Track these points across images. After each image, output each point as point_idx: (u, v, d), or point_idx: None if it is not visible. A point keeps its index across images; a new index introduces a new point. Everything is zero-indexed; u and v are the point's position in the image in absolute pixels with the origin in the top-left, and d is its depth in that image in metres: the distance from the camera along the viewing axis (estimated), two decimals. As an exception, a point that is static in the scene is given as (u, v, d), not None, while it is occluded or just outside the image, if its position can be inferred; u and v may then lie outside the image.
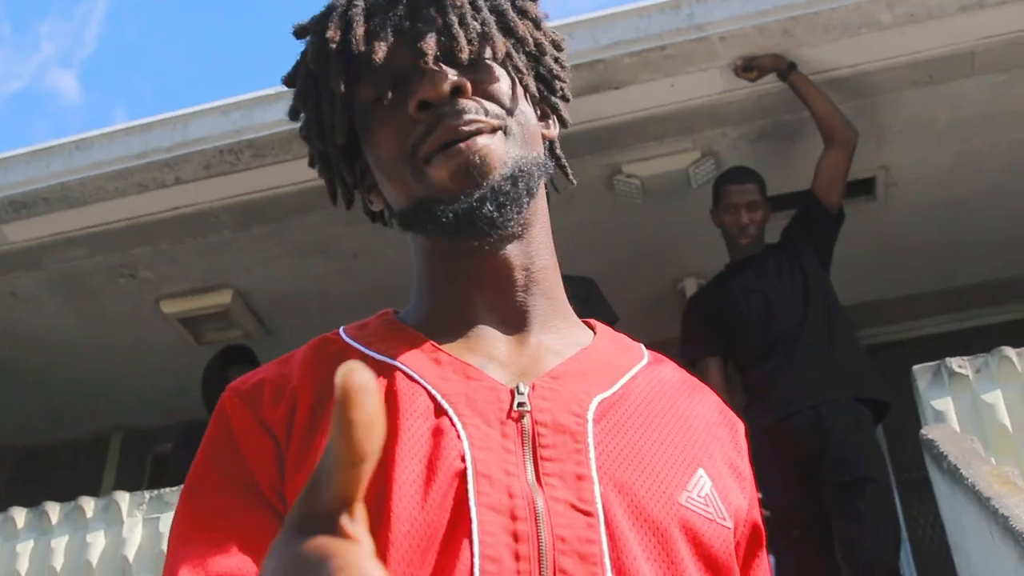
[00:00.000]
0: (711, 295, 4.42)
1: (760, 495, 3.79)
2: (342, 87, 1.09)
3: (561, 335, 1.11)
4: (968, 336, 5.29)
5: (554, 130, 1.20)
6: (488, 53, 1.09)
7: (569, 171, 1.24)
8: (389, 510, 0.93)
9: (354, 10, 1.10)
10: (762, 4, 4.08)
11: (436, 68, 1.05)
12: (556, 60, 1.20)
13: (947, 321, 5.55)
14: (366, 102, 1.10)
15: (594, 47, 4.17)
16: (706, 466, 1.03)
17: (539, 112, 1.17)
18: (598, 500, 0.95)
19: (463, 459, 0.95)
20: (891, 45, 4.22)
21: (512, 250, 1.09)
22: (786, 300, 4.14)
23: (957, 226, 5.17)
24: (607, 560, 0.92)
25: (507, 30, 1.12)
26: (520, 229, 1.08)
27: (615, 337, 1.17)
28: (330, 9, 1.12)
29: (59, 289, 5.37)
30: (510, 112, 1.08)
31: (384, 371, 1.03)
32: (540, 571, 0.91)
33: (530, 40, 1.14)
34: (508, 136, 1.07)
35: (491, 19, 1.12)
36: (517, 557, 0.91)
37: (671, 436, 1.04)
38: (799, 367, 3.99)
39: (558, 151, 1.21)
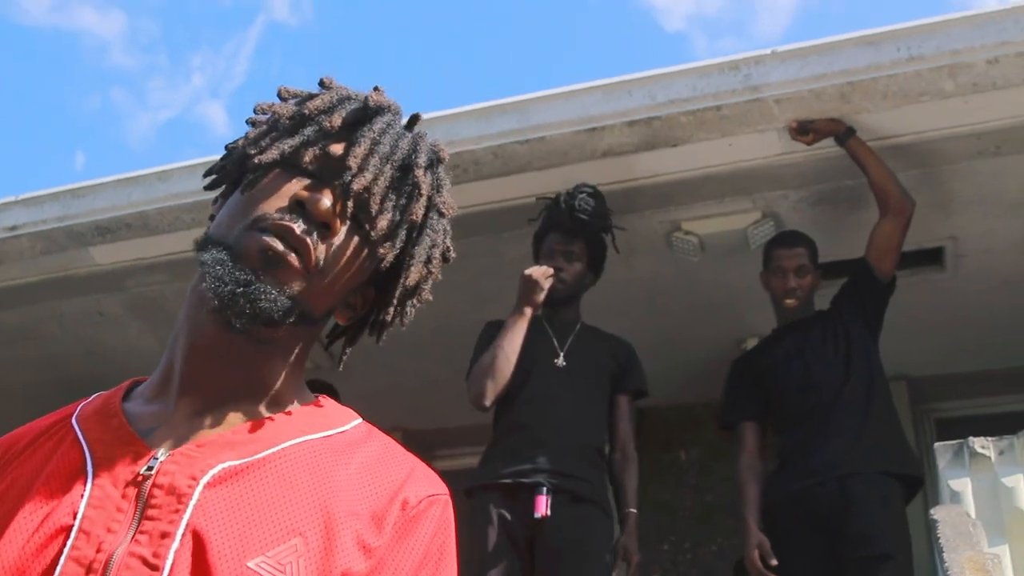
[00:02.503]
0: (753, 359, 4.41)
1: (776, 563, 3.77)
2: (290, 147, 1.21)
3: (253, 413, 1.20)
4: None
5: (348, 318, 1.31)
6: (390, 256, 1.25)
7: (344, 358, 1.38)
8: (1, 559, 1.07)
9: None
10: (819, 68, 4.04)
11: (331, 199, 1.18)
12: (413, 306, 1.33)
13: (1015, 401, 5.37)
14: (295, 158, 1.21)
15: (650, 104, 4.19)
16: (311, 537, 1.09)
17: (348, 301, 1.28)
18: (170, 557, 1.04)
19: (74, 515, 1.09)
20: (954, 114, 4.14)
21: (242, 344, 1.18)
22: (827, 368, 4.10)
23: (1028, 301, 5.02)
24: None
25: (427, 260, 1.30)
26: (253, 335, 1.17)
27: (321, 412, 1.26)
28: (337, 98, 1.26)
29: (141, 312, 5.59)
30: (325, 277, 1.19)
31: (68, 435, 1.18)
32: None
33: (421, 291, 1.31)
34: (304, 283, 1.17)
35: (426, 243, 1.29)
36: None
37: (286, 505, 1.11)
38: (831, 437, 3.94)
39: (351, 337, 1.36)
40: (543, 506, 3.75)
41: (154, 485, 1.09)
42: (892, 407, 4.22)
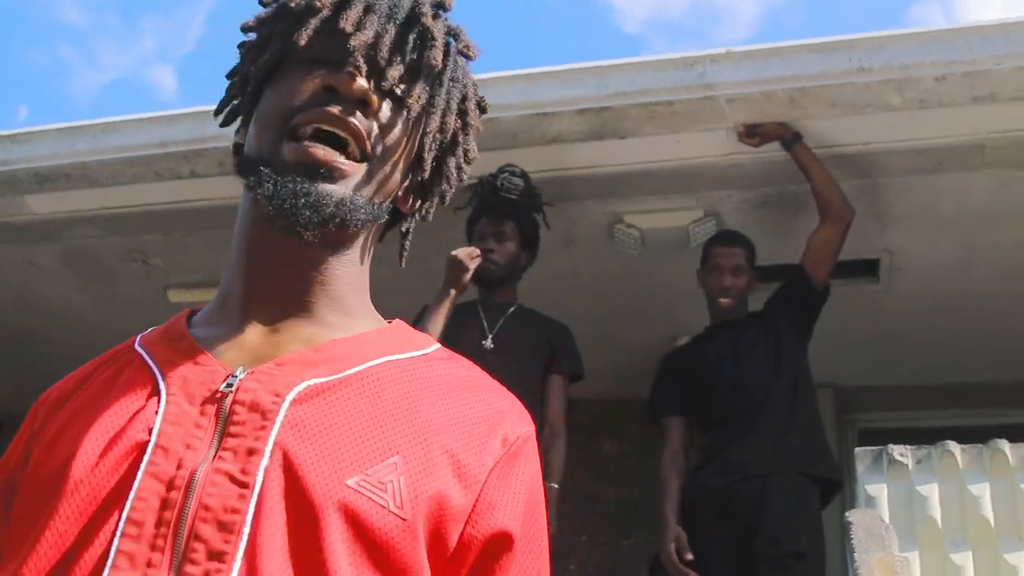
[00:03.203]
0: (684, 356, 4.46)
1: (692, 557, 3.80)
2: (303, 38, 1.13)
3: (327, 329, 1.15)
4: (959, 434, 5.20)
5: (412, 207, 1.25)
6: (413, 110, 1.16)
7: (404, 253, 1.32)
8: (68, 474, 1.02)
9: None
10: (772, 72, 4.07)
11: (362, 73, 1.12)
12: (459, 166, 1.26)
13: (938, 416, 5.48)
14: (303, 55, 1.14)
15: (602, 94, 4.20)
16: (410, 456, 1.03)
17: (410, 186, 1.22)
18: (260, 474, 0.98)
19: (150, 432, 1.02)
20: (899, 128, 4.19)
21: (309, 251, 1.13)
22: (757, 369, 4.15)
23: (957, 320, 5.11)
24: (246, 529, 0.96)
25: (460, 112, 1.21)
26: (323, 240, 1.12)
27: (402, 333, 1.20)
28: None
29: (74, 265, 5.51)
30: (383, 157, 1.14)
31: (135, 361, 1.14)
32: (176, 536, 0.96)
33: (461, 145, 1.24)
34: (369, 172, 1.13)
35: (454, 94, 1.21)
36: (159, 523, 0.97)
37: (381, 422, 1.05)
38: (756, 436, 3.99)
39: (407, 227, 1.29)
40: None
41: (235, 402, 1.04)
42: (817, 412, 4.28)
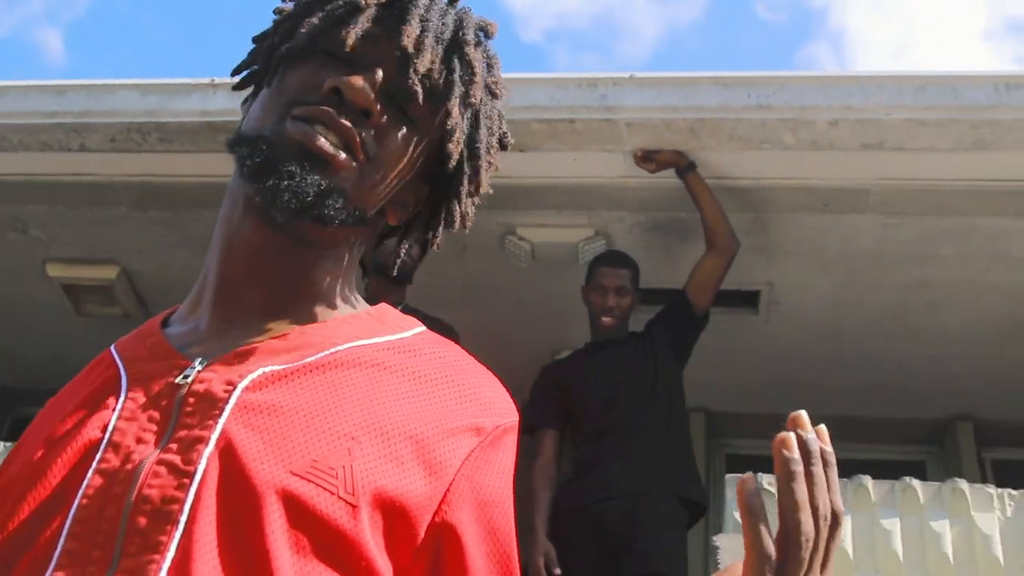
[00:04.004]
0: (562, 369, 4.51)
1: (560, 572, 3.85)
2: (350, 37, 1.10)
3: (296, 318, 1.13)
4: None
5: (400, 218, 1.22)
6: (431, 117, 1.14)
7: (399, 259, 1.34)
8: (22, 477, 1.03)
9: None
10: (673, 100, 4.16)
11: (373, 84, 1.09)
12: (471, 209, 1.26)
13: (805, 446, 5.62)
14: (328, 46, 1.12)
15: (506, 105, 4.22)
16: (364, 443, 1.00)
17: (398, 198, 1.19)
18: (203, 462, 0.97)
19: (104, 429, 1.02)
20: (791, 166, 4.32)
21: (289, 251, 1.12)
22: (631, 388, 4.22)
23: (832, 356, 5.27)
24: (183, 518, 0.94)
25: (485, 131, 1.21)
26: (301, 237, 1.11)
27: (379, 318, 1.17)
28: None
29: (-52, 230, 5.34)
30: (377, 168, 1.12)
31: (106, 361, 1.14)
32: (118, 530, 0.95)
33: (476, 180, 1.22)
34: (360, 175, 1.10)
35: (484, 135, 1.20)
36: (102, 518, 0.96)
37: (337, 409, 1.02)
38: (627, 455, 4.06)
39: (402, 238, 1.29)
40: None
41: (188, 393, 1.03)
42: (688, 436, 4.38)
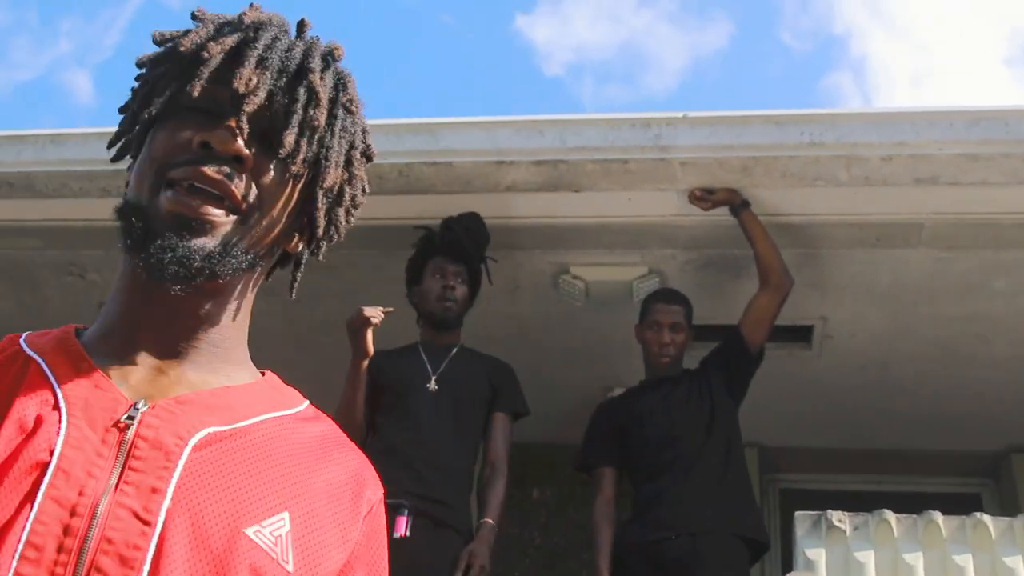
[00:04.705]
0: (618, 407, 4.52)
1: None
2: (196, 89, 1.14)
3: (213, 375, 1.18)
4: (880, 499, 5.37)
5: (300, 246, 1.28)
6: (287, 168, 1.18)
7: (296, 284, 1.35)
8: None
9: (241, 33, 1.18)
10: (726, 139, 4.20)
11: (238, 129, 1.13)
12: (347, 212, 1.29)
13: (860, 481, 5.64)
14: (188, 102, 1.16)
15: (560, 147, 4.28)
16: (295, 514, 1.10)
17: (292, 227, 1.24)
18: (162, 513, 1.01)
19: (51, 452, 1.03)
20: (844, 202, 4.35)
21: (188, 301, 1.16)
22: (689, 426, 4.23)
23: (884, 389, 5.27)
24: (146, 566, 0.99)
25: (346, 163, 1.24)
26: (199, 290, 1.15)
27: (278, 387, 1.25)
28: (227, 22, 1.20)
29: (6, 274, 5.42)
30: (259, 209, 1.16)
31: (27, 366, 1.13)
32: (77, 564, 0.98)
33: (347, 194, 1.26)
34: (242, 224, 1.15)
35: (341, 148, 1.23)
36: (60, 549, 0.99)
37: (269, 477, 1.10)
38: (687, 494, 4.06)
39: (299, 262, 1.32)
40: (403, 527, 3.77)
41: (137, 435, 1.06)
42: (747, 472, 4.38)
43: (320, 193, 1.22)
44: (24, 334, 1.21)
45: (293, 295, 1.35)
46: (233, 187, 1.13)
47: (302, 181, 1.20)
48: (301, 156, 1.17)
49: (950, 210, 4.35)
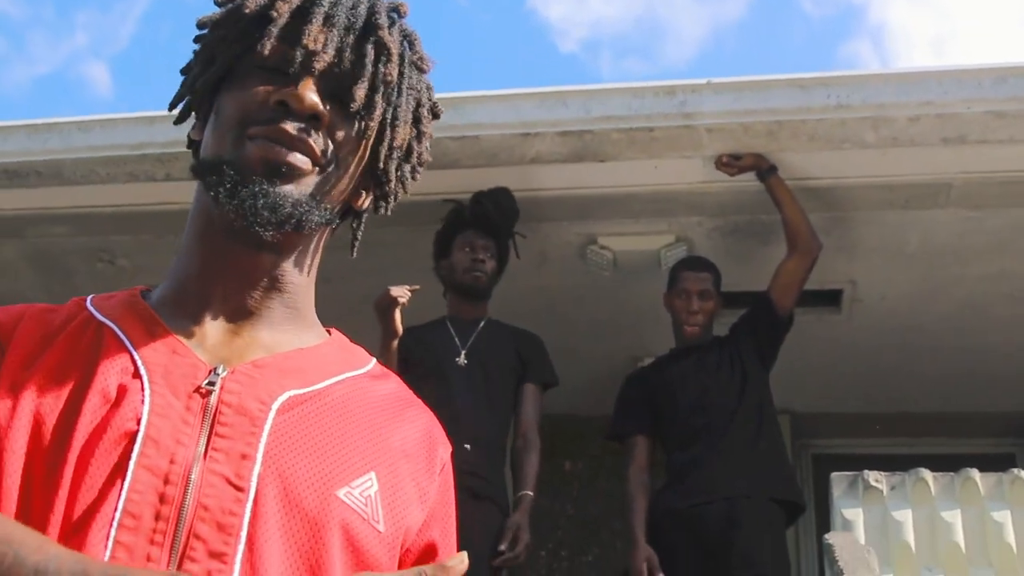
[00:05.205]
0: (649, 376, 4.53)
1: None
2: (266, 48, 1.14)
3: (286, 336, 1.19)
4: (915, 462, 5.37)
5: (366, 203, 1.28)
6: (359, 121, 1.19)
7: (357, 241, 1.35)
8: (65, 460, 1.02)
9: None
10: (751, 104, 4.18)
11: (313, 88, 1.14)
12: (413, 170, 1.30)
13: (893, 444, 5.63)
14: (257, 61, 1.17)
15: (585, 117, 4.27)
16: (380, 473, 1.11)
17: (360, 184, 1.25)
18: (254, 479, 1.03)
19: (138, 421, 1.04)
20: (871, 164, 4.33)
21: (266, 257, 1.17)
22: (720, 392, 4.24)
23: (915, 352, 5.26)
24: (243, 532, 1.01)
25: (392, 128, 1.23)
26: (278, 244, 1.16)
27: (346, 347, 1.27)
28: None
29: (36, 263, 5.46)
30: (336, 165, 1.18)
31: (100, 332, 1.13)
32: (176, 532, 1.00)
33: (401, 142, 1.25)
34: (319, 178, 1.16)
35: (409, 104, 1.24)
36: (157, 517, 1.00)
37: (353, 439, 1.12)
38: (722, 459, 4.08)
39: (359, 221, 1.33)
40: (442, 500, 3.79)
41: (221, 402, 1.07)
42: (780, 437, 4.38)
43: (391, 150, 1.23)
44: (89, 297, 1.21)
45: (354, 253, 1.36)
46: (312, 143, 1.14)
47: (372, 138, 1.21)
48: (377, 112, 1.18)
49: (978, 169, 4.32)
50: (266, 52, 1.14)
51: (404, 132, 1.23)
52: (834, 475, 3.36)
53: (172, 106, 1.27)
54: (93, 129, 4.81)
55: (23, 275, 5.55)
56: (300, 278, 1.21)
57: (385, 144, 1.22)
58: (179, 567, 0.97)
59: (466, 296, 4.29)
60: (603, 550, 5.83)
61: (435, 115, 1.30)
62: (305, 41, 1.14)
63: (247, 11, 1.17)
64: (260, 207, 1.11)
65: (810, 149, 4.26)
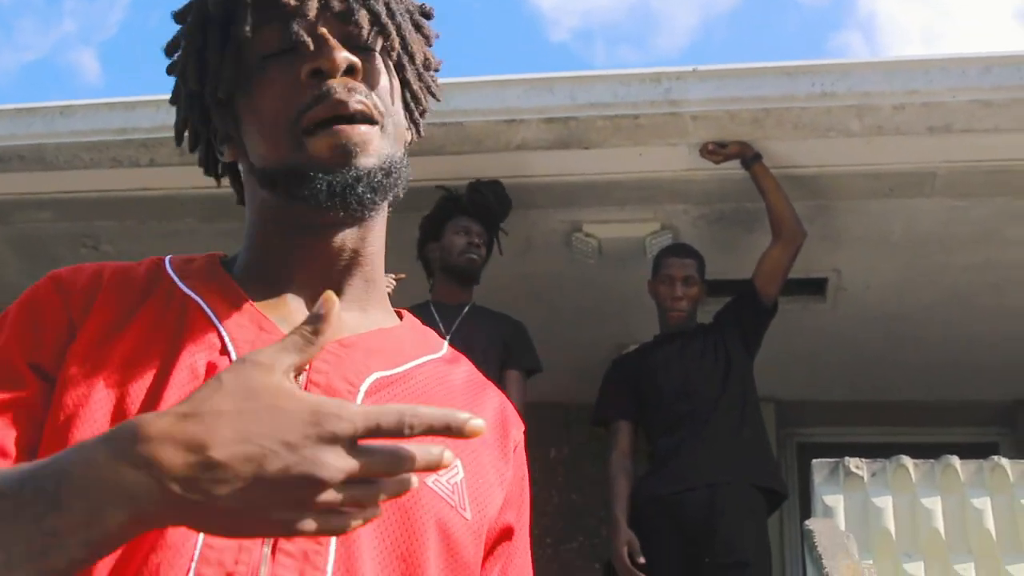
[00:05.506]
0: (633, 362, 4.54)
1: (644, 561, 3.89)
2: (248, 31, 1.10)
3: (366, 315, 1.17)
4: (898, 450, 5.38)
5: (412, 138, 1.25)
6: (379, 46, 1.14)
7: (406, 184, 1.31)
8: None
9: None
10: (736, 91, 4.18)
11: (334, 43, 1.10)
12: (433, 79, 1.27)
13: (878, 432, 5.65)
14: (259, 52, 1.12)
15: (570, 104, 4.27)
16: (465, 460, 1.09)
17: (406, 117, 1.21)
18: None
19: None
20: (857, 153, 4.33)
21: (350, 233, 1.14)
22: (704, 379, 4.25)
23: (900, 341, 5.28)
24: None
25: (403, 39, 1.18)
26: (368, 216, 1.13)
27: (420, 329, 1.24)
28: None
29: (20, 249, 5.43)
30: (387, 113, 1.13)
31: (185, 304, 1.10)
32: None
33: (420, 55, 1.22)
34: (383, 132, 1.11)
35: (394, 23, 1.18)
36: None
37: None
38: (704, 446, 4.09)
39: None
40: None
41: (309, 381, 1.04)
42: (763, 424, 4.40)
43: (412, 66, 1.20)
44: (167, 259, 1.18)
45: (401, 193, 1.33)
46: (365, 100, 1.10)
47: (395, 62, 1.17)
48: (392, 32, 1.14)
49: (963, 158, 4.33)
50: (246, 31, 1.10)
51: (414, 40, 1.20)
52: (815, 462, 3.37)
53: (179, 133, 1.23)
54: (76, 114, 4.79)
55: (6, 260, 5.53)
56: (378, 244, 1.18)
57: (405, 62, 1.19)
58: (272, 556, 0.94)
59: (458, 278, 4.30)
60: (588, 538, 5.84)
61: (425, 15, 1.25)
62: (284, 1, 1.10)
63: (211, 8, 1.13)
64: (362, 192, 1.07)
65: (795, 137, 4.26)
